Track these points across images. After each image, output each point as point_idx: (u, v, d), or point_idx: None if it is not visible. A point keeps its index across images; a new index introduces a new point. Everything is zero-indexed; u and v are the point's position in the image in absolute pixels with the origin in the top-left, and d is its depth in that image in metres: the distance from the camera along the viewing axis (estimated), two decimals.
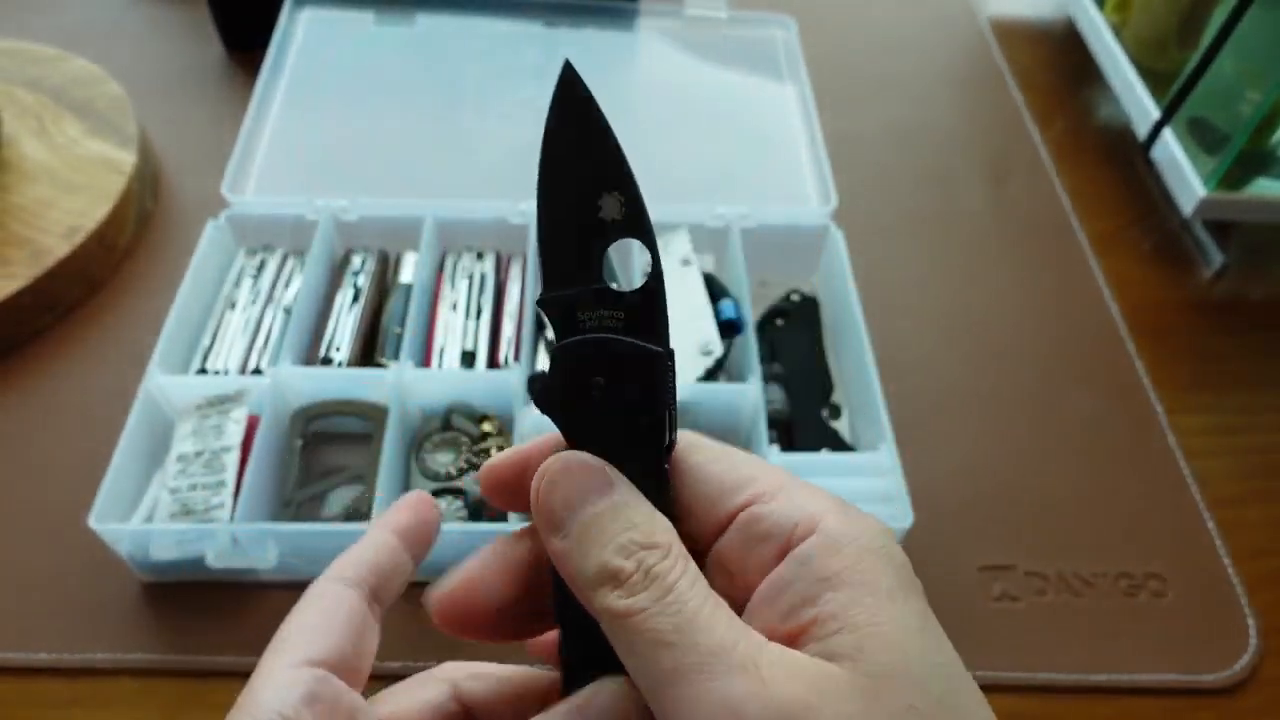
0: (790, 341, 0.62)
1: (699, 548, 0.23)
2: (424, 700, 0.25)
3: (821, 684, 0.19)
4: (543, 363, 0.57)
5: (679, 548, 0.22)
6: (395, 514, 0.28)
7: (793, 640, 0.21)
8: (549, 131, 0.23)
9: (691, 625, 0.20)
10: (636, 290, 0.23)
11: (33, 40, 0.75)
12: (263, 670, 0.23)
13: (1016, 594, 0.53)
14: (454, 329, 0.59)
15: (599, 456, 0.23)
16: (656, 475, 0.23)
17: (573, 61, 0.22)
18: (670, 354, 0.23)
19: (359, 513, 0.52)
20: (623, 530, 0.21)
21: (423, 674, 0.26)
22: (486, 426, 0.55)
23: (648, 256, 0.23)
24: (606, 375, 0.23)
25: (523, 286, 0.61)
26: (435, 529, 0.28)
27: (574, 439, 0.23)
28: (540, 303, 0.23)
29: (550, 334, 0.24)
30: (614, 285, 0.23)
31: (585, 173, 0.23)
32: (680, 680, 0.19)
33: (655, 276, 0.23)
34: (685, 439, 0.24)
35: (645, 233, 0.23)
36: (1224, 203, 0.71)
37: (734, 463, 0.24)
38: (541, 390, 0.23)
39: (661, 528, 0.22)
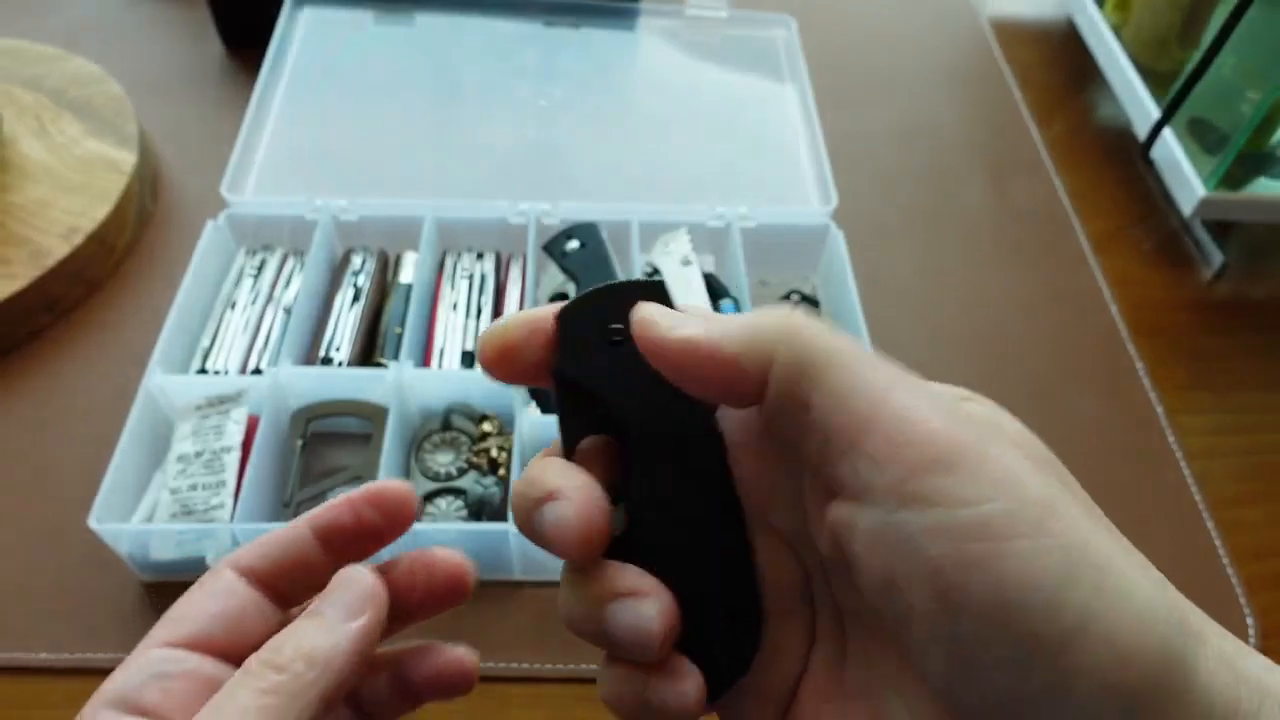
0: None
1: None
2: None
3: None
4: None
5: None
6: (325, 509, 0.28)
7: None
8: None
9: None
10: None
11: (32, 40, 0.74)
12: (130, 655, 0.25)
13: None
14: (454, 329, 0.59)
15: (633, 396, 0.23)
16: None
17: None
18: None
19: None
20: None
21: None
22: (486, 426, 0.55)
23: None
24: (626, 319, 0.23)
25: (522, 287, 0.61)
26: (384, 528, 0.28)
27: (610, 391, 0.23)
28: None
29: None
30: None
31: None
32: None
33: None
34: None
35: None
36: (1224, 202, 0.71)
37: None
38: (571, 355, 0.23)
39: None
